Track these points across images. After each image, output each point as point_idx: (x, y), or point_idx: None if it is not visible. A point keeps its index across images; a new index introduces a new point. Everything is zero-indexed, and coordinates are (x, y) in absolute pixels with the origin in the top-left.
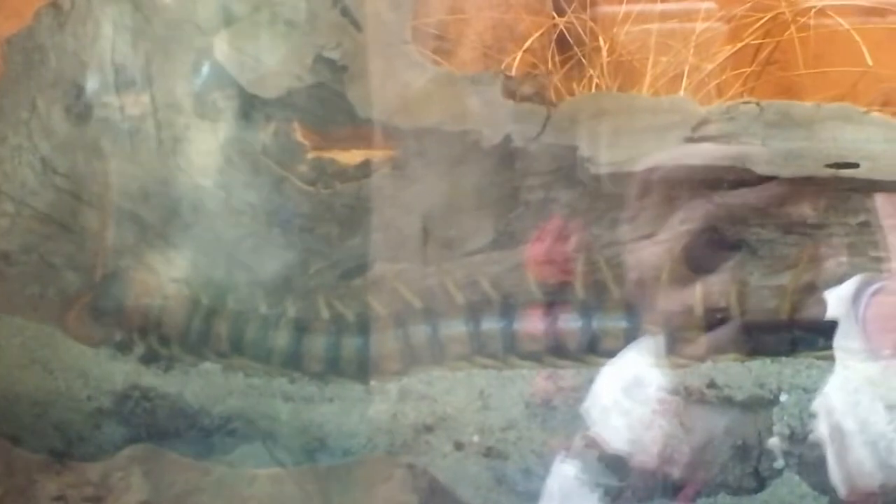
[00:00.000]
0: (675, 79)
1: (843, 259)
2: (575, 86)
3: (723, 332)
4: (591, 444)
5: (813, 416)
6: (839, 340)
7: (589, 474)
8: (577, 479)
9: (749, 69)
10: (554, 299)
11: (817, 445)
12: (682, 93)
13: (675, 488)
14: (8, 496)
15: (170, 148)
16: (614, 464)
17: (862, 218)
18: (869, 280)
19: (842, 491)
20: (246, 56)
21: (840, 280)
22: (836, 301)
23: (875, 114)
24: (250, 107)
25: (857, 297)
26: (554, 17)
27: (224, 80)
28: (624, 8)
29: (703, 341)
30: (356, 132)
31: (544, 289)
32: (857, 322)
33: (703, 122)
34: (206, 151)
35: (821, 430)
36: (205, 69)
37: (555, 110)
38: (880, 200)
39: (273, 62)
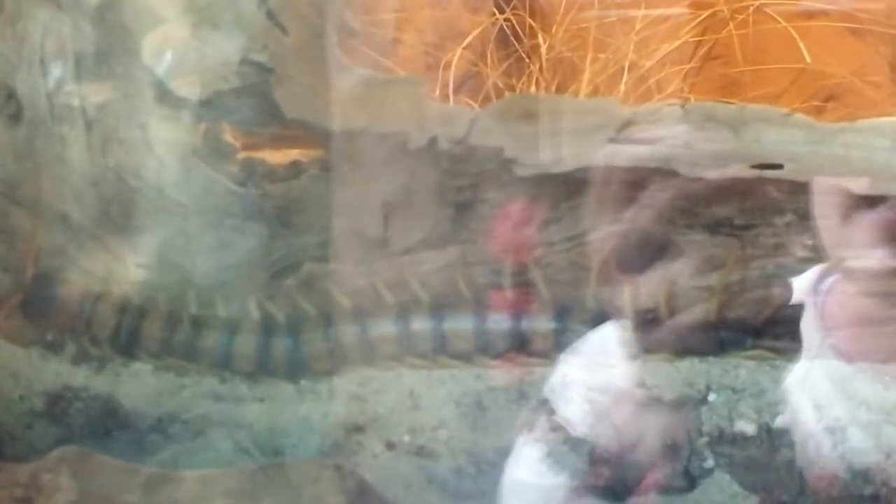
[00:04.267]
0: (615, 75)
1: (770, 259)
2: (515, 82)
3: (652, 333)
4: (556, 427)
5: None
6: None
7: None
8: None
9: (688, 66)
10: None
11: (747, 445)
12: (622, 87)
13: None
14: None
15: (99, 149)
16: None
17: (788, 218)
18: (827, 271)
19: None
20: (173, 58)
21: (767, 280)
22: (799, 289)
23: (798, 115)
24: (179, 108)
25: (816, 287)
26: (495, 14)
27: (153, 82)
28: (564, 4)
29: (633, 342)
30: (285, 133)
31: (507, 270)
32: (816, 312)
33: (628, 123)
34: (135, 152)
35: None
36: (133, 72)
37: (480, 113)
38: (815, 201)
39: (200, 64)
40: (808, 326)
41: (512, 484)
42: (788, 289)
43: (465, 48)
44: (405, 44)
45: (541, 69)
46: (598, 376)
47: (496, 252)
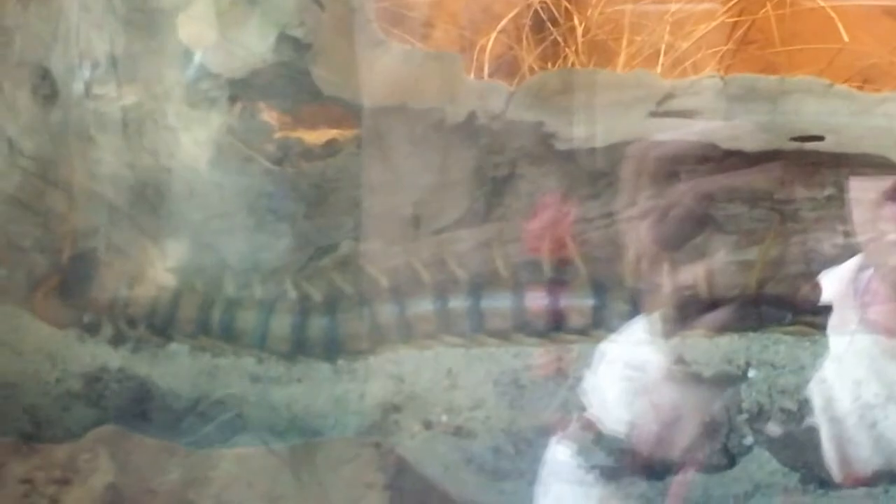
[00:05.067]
0: (651, 58)
1: (811, 234)
2: (550, 65)
3: (691, 309)
4: (587, 426)
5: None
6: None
7: (585, 456)
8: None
9: (724, 48)
10: (522, 277)
11: (787, 421)
12: (658, 69)
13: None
14: None
15: (135, 130)
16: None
17: (829, 192)
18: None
19: (836, 473)
20: (209, 36)
21: (807, 254)
22: (834, 281)
23: (839, 86)
24: (215, 87)
25: (857, 276)
26: None
27: (188, 62)
28: None
29: (673, 318)
30: (322, 111)
31: (545, 265)
32: (855, 299)
33: (668, 96)
34: (170, 133)
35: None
36: (169, 50)
37: (519, 87)
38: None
39: (236, 42)
40: (845, 305)
41: (552, 464)
42: (818, 289)
43: (500, 31)
44: (439, 27)
45: (577, 52)
46: (636, 354)
47: (532, 248)
